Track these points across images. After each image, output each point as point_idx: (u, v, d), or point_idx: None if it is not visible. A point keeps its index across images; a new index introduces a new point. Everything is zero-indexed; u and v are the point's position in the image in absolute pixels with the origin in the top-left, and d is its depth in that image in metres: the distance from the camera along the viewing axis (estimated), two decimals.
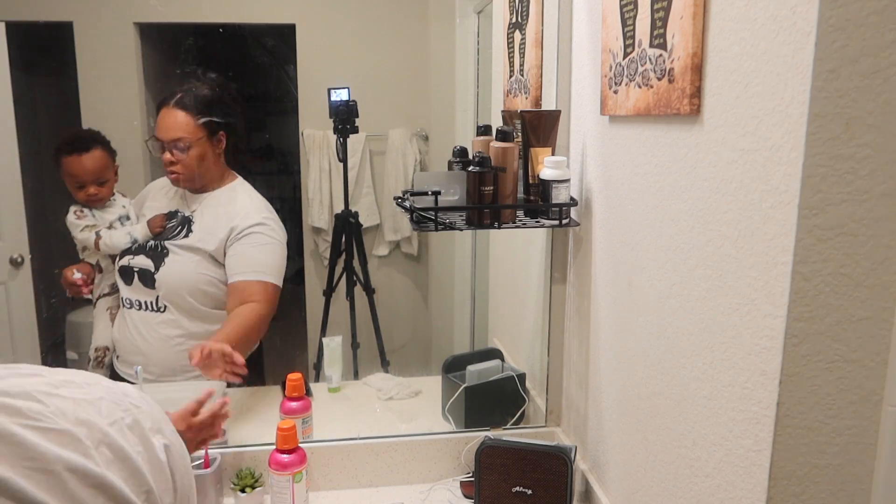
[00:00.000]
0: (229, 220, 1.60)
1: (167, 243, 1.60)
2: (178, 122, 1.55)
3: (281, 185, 2.76)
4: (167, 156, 1.55)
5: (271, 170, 2.90)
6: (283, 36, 2.26)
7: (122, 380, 1.62)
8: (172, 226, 1.62)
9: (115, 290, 1.66)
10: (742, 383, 0.80)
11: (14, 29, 1.81)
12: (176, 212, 1.64)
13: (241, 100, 1.72)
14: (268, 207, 1.67)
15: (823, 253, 0.70)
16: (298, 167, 2.34)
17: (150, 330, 1.61)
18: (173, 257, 1.59)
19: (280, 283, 1.61)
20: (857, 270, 0.71)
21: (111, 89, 2.04)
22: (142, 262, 1.60)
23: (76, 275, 1.61)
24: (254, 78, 2.41)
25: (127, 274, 1.61)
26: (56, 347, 1.74)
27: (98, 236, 1.60)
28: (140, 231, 1.61)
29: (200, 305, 1.61)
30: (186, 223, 1.62)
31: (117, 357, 1.67)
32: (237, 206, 1.63)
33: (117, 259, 1.63)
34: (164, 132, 1.55)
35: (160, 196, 1.67)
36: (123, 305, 1.63)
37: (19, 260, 1.90)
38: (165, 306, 1.60)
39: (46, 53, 2.13)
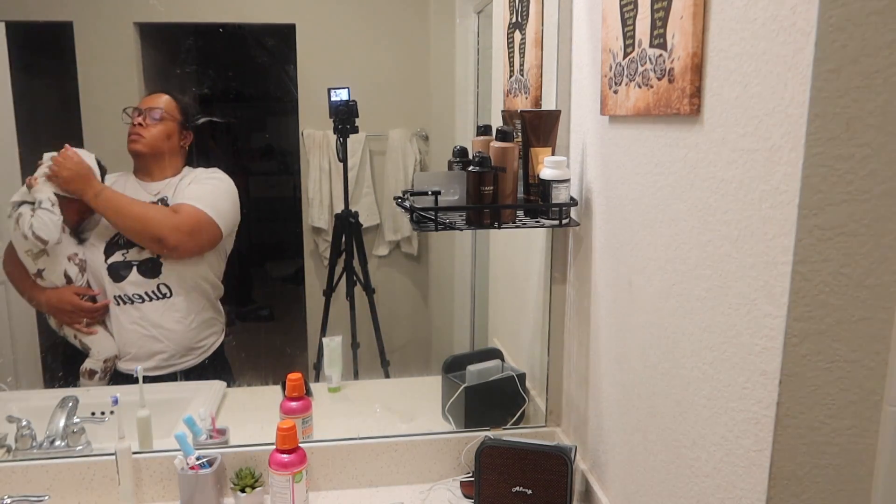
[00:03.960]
0: (191, 179, 1.71)
1: None
2: (161, 99, 1.68)
3: (281, 185, 2.76)
4: (138, 119, 1.66)
5: (271, 170, 2.90)
6: (283, 36, 2.26)
7: (127, 380, 1.63)
8: None
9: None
10: (742, 383, 0.80)
11: (14, 29, 1.81)
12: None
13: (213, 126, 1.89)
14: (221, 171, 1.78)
15: (823, 253, 0.70)
16: (298, 167, 2.34)
17: (164, 317, 1.67)
18: None
19: (219, 221, 1.67)
20: (857, 270, 0.71)
21: (111, 89, 2.04)
22: (140, 254, 1.63)
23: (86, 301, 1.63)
24: (254, 78, 2.40)
25: (122, 269, 1.63)
26: (56, 347, 1.74)
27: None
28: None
29: (202, 277, 1.71)
30: (161, 203, 1.67)
31: (119, 358, 1.68)
32: (199, 170, 1.74)
33: (104, 258, 1.63)
34: (145, 102, 1.68)
35: None
36: (118, 304, 1.64)
37: None
38: (170, 290, 1.66)
39: (46, 53, 2.13)
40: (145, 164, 1.69)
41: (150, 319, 1.66)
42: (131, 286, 1.64)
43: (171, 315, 1.68)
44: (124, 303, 1.64)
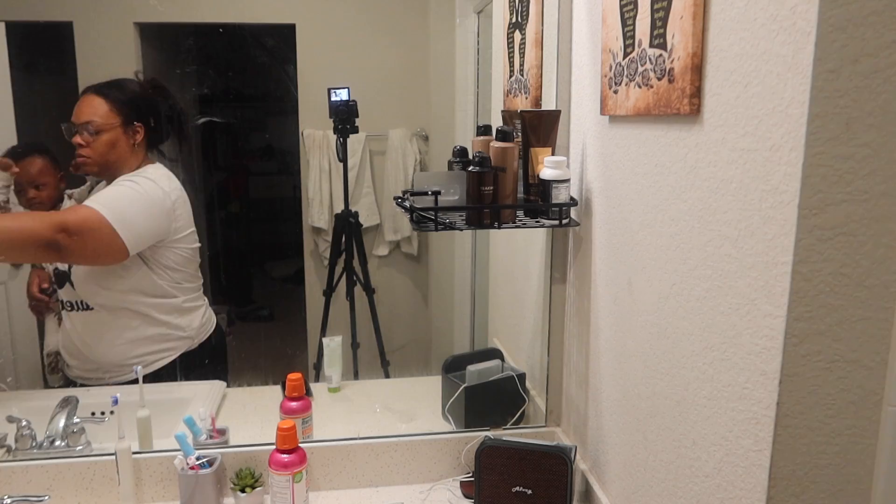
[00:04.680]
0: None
1: None
2: (92, 106, 1.55)
3: (281, 185, 2.76)
4: (76, 138, 1.53)
5: (271, 170, 2.90)
6: (283, 36, 2.26)
7: (75, 386, 1.62)
8: None
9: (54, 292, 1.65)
10: (742, 383, 0.80)
11: (14, 29, 1.81)
12: None
13: (168, 96, 1.71)
14: (168, 177, 1.60)
15: (823, 253, 0.70)
16: (298, 167, 2.34)
17: (87, 330, 1.60)
18: None
19: (120, 228, 1.46)
20: (857, 270, 0.71)
21: None
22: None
23: (39, 289, 1.62)
24: (254, 78, 2.40)
25: (59, 276, 1.61)
26: None
27: None
28: None
29: (127, 292, 1.56)
30: None
31: (67, 364, 1.65)
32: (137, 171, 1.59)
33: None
34: (76, 115, 1.55)
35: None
36: (63, 308, 1.62)
37: None
38: (88, 304, 1.58)
39: (46, 53, 2.12)
40: (102, 176, 1.60)
41: (77, 329, 1.61)
42: (63, 293, 1.60)
43: (93, 329, 1.60)
44: (68, 309, 1.61)
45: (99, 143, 1.53)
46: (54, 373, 1.65)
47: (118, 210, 1.47)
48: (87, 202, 1.48)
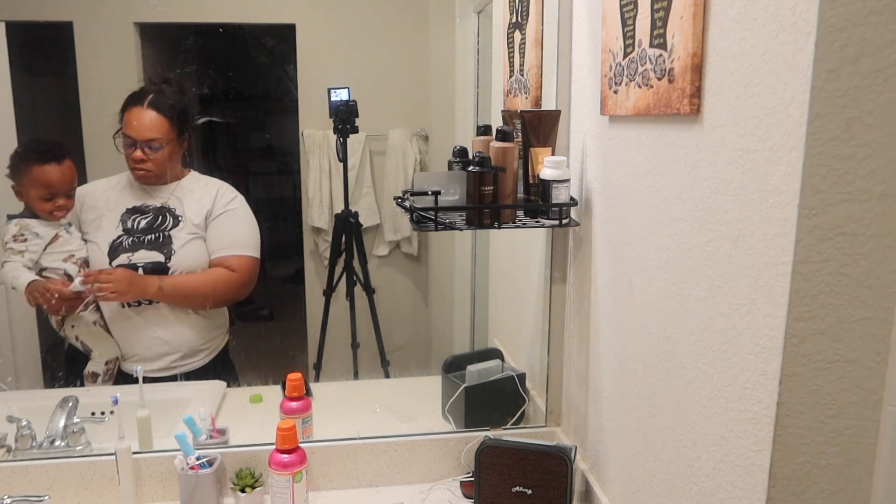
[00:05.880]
0: (210, 201, 1.70)
1: (167, 232, 1.65)
2: (153, 122, 1.63)
3: (281, 185, 2.76)
4: (138, 153, 1.62)
5: (271, 170, 2.90)
6: (283, 36, 2.26)
7: (128, 380, 1.63)
8: (148, 217, 1.66)
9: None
10: (742, 383, 0.80)
11: (14, 29, 1.81)
12: (146, 205, 1.67)
13: (197, 102, 1.85)
14: (233, 188, 1.77)
15: (823, 253, 0.70)
16: (298, 167, 2.34)
17: (173, 319, 1.66)
18: (181, 242, 1.65)
19: (258, 254, 1.73)
20: (857, 270, 0.71)
21: (111, 89, 2.04)
22: (147, 256, 1.62)
23: (74, 286, 1.57)
24: (254, 78, 2.40)
25: (156, 270, 1.63)
26: (56, 347, 1.74)
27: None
28: (21, 282, 1.57)
29: None
30: (165, 212, 1.66)
31: (124, 359, 1.68)
32: (211, 187, 1.73)
33: (108, 261, 1.61)
34: (137, 131, 1.62)
35: (108, 197, 1.67)
36: (124, 305, 1.63)
37: None
38: None
39: (46, 53, 2.13)
40: (156, 184, 1.69)
41: (158, 322, 1.65)
42: None
43: (180, 317, 1.67)
44: (130, 305, 1.64)
45: (160, 157, 1.64)
46: (110, 379, 1.64)
47: (253, 242, 1.73)
48: (233, 250, 1.69)
